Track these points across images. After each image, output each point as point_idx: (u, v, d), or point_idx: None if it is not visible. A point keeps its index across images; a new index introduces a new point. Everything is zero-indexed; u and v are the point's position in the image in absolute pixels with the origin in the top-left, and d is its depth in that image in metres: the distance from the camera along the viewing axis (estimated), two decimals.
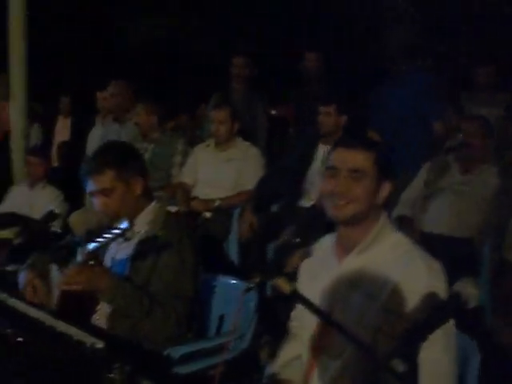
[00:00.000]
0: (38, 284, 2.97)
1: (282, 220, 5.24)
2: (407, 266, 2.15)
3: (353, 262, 2.27)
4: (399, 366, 1.61)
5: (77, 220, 5.24)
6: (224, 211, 5.33)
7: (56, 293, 2.87)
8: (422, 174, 4.88)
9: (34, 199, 6.08)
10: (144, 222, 2.94)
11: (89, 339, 2.09)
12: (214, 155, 5.58)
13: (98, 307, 2.88)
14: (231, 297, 3.12)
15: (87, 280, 2.63)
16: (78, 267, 2.63)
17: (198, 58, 11.27)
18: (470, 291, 3.91)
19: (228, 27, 10.88)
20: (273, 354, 2.60)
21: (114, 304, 2.73)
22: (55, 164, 7.91)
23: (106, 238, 2.55)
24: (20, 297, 2.83)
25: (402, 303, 2.10)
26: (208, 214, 5.34)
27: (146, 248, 2.83)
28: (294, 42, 8.83)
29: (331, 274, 2.30)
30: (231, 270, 4.70)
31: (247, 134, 5.79)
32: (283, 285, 1.89)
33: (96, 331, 2.40)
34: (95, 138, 6.95)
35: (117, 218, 2.84)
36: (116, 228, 2.57)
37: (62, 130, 8.70)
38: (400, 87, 5.78)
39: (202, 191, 5.50)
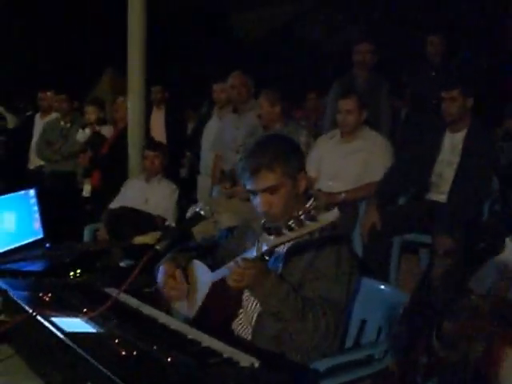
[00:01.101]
0: (179, 276, 2.77)
1: (408, 213, 4.94)
2: None
3: None
4: None
5: None
6: (349, 204, 5.05)
7: (201, 291, 2.68)
8: None
9: (149, 193, 6.02)
10: None
11: (242, 357, 1.88)
12: (340, 146, 5.31)
13: (240, 311, 2.68)
14: (375, 301, 2.87)
15: (255, 276, 2.39)
16: (252, 261, 2.40)
17: (305, 47, 11.10)
18: None
19: (339, 14, 10.63)
20: None
21: (268, 304, 2.47)
22: None
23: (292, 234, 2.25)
24: (153, 303, 2.66)
25: None
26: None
27: (302, 249, 2.58)
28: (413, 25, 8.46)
29: None
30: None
31: (370, 123, 5.47)
32: None
33: (236, 342, 2.19)
34: (212, 131, 6.79)
35: (277, 219, 2.60)
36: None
37: (157, 122, 8.61)
38: None
39: (326, 184, 5.25)
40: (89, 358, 1.80)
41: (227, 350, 1.96)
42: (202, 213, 2.82)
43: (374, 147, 5.19)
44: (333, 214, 2.19)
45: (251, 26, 11.70)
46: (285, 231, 2.24)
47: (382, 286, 2.91)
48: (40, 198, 4.32)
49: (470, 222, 4.43)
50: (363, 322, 2.90)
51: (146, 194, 6.02)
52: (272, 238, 2.29)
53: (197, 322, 2.45)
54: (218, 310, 2.59)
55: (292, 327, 2.46)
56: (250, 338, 2.61)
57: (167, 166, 6.19)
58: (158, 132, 7.87)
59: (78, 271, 3.40)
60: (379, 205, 4.79)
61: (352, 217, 5.01)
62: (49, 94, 8.48)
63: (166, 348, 1.92)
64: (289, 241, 2.33)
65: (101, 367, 1.74)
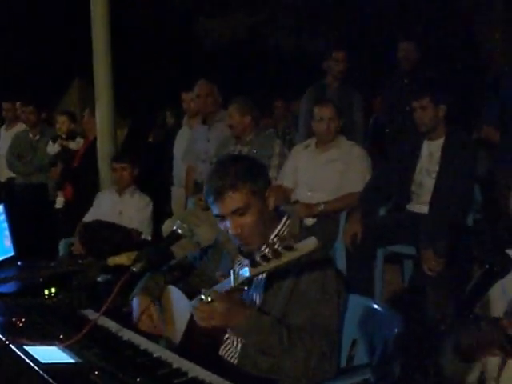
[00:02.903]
0: (154, 312, 2.65)
1: (391, 225, 4.87)
2: None
3: None
4: None
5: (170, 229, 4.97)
6: (329, 216, 4.96)
7: (180, 320, 2.54)
8: None
9: (123, 206, 5.89)
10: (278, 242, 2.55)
11: None
12: (315, 156, 5.21)
13: (226, 336, 2.53)
14: (366, 320, 2.73)
15: (226, 312, 2.24)
16: (220, 296, 2.24)
17: (271, 54, 11.08)
18: None
19: (306, 22, 10.60)
20: None
21: (248, 340, 2.34)
22: None
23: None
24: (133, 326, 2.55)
25: None
26: (311, 220, 4.95)
27: (283, 272, 2.40)
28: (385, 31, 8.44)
29: None
30: None
31: (343, 132, 5.37)
32: None
33: (226, 369, 2.08)
34: (183, 141, 6.68)
35: (250, 240, 2.49)
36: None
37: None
38: None
39: (304, 195, 5.14)
40: None
41: (217, 382, 1.85)
42: (180, 231, 2.71)
43: (350, 157, 5.10)
44: (311, 243, 2.08)
45: (216, 33, 11.60)
46: (260, 261, 2.12)
47: (374, 305, 2.79)
48: (12, 210, 4.19)
49: (454, 233, 4.36)
50: (354, 342, 2.77)
51: (120, 206, 5.89)
52: (247, 268, 2.16)
53: (181, 349, 2.32)
54: (202, 338, 2.43)
55: (281, 361, 2.30)
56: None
57: (138, 177, 6.02)
58: None
59: (53, 290, 3.27)
60: (362, 215, 4.71)
61: (333, 227, 4.92)
62: (16, 105, 8.35)
63: (150, 380, 1.81)
64: (265, 271, 2.19)
65: None
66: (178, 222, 2.71)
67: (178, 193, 6.80)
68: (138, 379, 1.80)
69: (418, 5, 8.74)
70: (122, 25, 7.04)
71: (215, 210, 2.50)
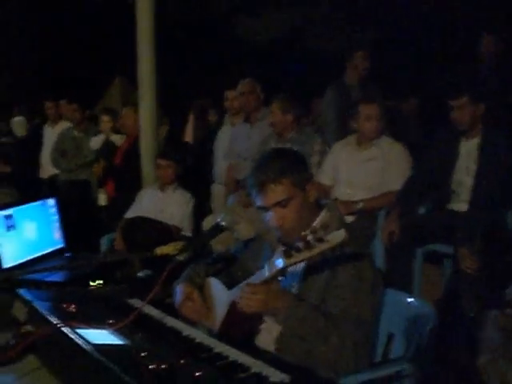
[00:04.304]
0: (196, 298, 2.75)
1: (430, 224, 4.86)
2: None
3: None
4: None
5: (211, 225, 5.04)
6: (368, 214, 4.99)
7: (219, 309, 2.64)
8: None
9: (164, 202, 5.97)
10: None
11: (271, 372, 1.84)
12: (356, 153, 5.21)
13: (263, 326, 2.61)
14: (402, 314, 2.78)
15: (266, 298, 2.35)
16: (258, 286, 2.35)
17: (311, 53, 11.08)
18: None
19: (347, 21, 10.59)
20: None
21: (287, 326, 2.42)
22: None
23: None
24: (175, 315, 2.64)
25: None
26: (350, 218, 4.98)
27: (320, 263, 2.49)
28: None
29: None
30: None
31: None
32: None
33: (263, 356, 2.16)
34: (224, 139, 6.76)
35: (291, 232, 2.57)
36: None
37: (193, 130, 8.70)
38: None
39: (343, 192, 5.17)
40: (117, 370, 1.78)
41: (255, 364, 1.93)
42: (224, 223, 2.79)
43: (390, 155, 5.08)
44: (340, 235, 2.18)
45: (258, 32, 11.67)
46: (293, 252, 2.22)
47: (410, 299, 2.83)
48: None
49: (493, 231, 4.36)
50: (391, 336, 2.81)
51: (161, 203, 5.97)
52: (281, 259, 2.25)
53: (219, 339, 2.40)
54: (239, 327, 2.54)
55: (316, 349, 2.38)
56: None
57: (180, 175, 6.12)
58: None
59: (99, 281, 3.39)
60: (400, 214, 4.73)
61: (372, 225, 4.96)
62: (60, 103, 8.52)
63: (193, 362, 1.90)
64: (298, 262, 2.29)
65: (129, 380, 1.72)
66: (223, 214, 2.79)
67: (218, 190, 6.87)
68: (182, 361, 1.90)
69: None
70: (165, 24, 7.13)
71: (258, 202, 2.60)
